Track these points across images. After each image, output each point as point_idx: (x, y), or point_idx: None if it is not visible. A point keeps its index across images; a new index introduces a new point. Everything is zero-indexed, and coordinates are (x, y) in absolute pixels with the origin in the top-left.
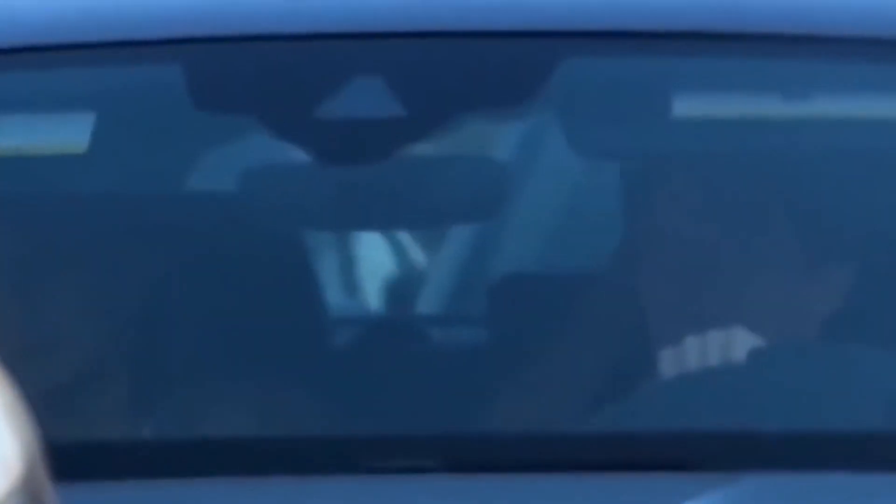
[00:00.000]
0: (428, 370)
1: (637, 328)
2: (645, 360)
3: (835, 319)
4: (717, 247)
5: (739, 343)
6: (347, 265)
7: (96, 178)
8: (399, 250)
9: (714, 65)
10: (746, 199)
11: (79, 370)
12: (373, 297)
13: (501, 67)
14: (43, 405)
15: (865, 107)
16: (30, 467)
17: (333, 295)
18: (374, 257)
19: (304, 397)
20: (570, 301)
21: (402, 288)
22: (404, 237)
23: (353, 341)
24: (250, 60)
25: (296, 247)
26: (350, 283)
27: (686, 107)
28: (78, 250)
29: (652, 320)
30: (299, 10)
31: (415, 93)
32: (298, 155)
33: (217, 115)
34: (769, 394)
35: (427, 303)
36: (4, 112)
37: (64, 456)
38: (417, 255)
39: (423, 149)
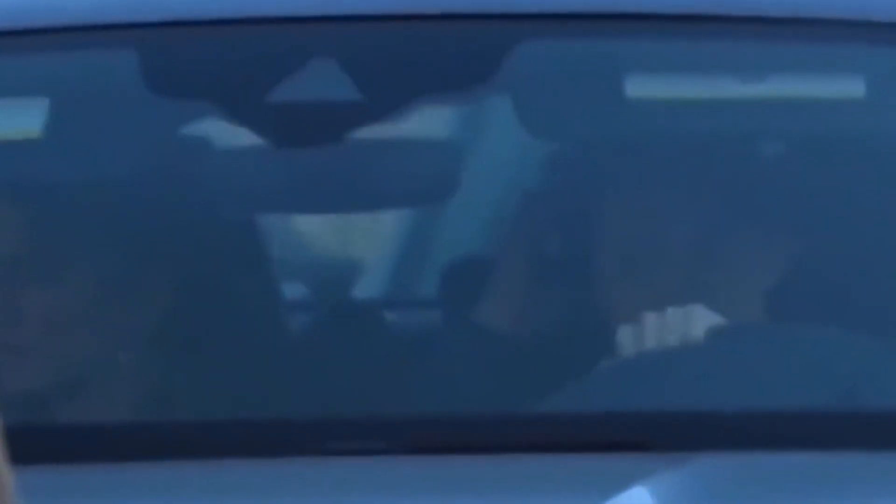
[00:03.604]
0: (382, 353)
1: (592, 309)
2: (601, 341)
3: (791, 299)
4: (671, 227)
5: (697, 324)
6: (301, 248)
7: (50, 163)
8: (352, 233)
9: (667, 46)
10: (702, 179)
11: (37, 354)
12: (326, 280)
13: (455, 50)
14: (2, 387)
15: (820, 88)
16: None
17: (286, 278)
18: (328, 240)
19: (259, 381)
20: (525, 283)
21: (355, 271)
22: (358, 220)
23: (307, 324)
24: (205, 44)
25: (249, 230)
26: (303, 267)
27: (639, 88)
28: (33, 236)
29: (607, 301)
30: None
31: (369, 76)
32: (253, 138)
33: (172, 99)
34: (725, 374)
35: (381, 285)
36: None
37: (22, 439)
38: (371, 238)
39: (377, 132)
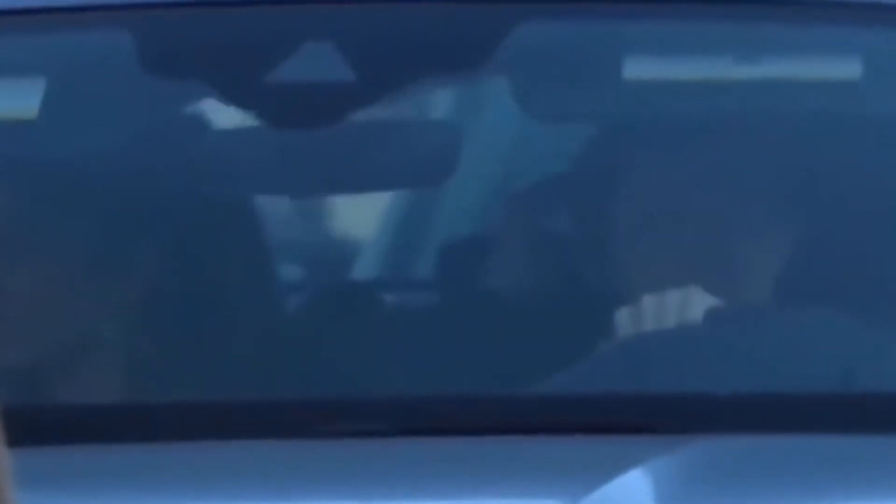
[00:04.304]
0: (379, 334)
1: (590, 291)
2: (600, 323)
3: (789, 281)
4: (669, 209)
5: (695, 307)
6: (297, 230)
7: (46, 143)
8: (349, 214)
9: (664, 28)
10: (699, 162)
11: (32, 335)
12: (323, 261)
13: (452, 31)
14: None
15: (817, 69)
16: None
17: (283, 260)
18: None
19: (255, 362)
20: (524, 264)
21: (352, 252)
22: (356, 201)
23: (303, 306)
24: (201, 25)
25: (245, 211)
26: (300, 248)
27: (636, 69)
28: (29, 216)
29: (606, 283)
30: None
31: (366, 57)
32: (249, 119)
33: (168, 80)
34: (724, 357)
35: (378, 266)
36: None
37: (18, 420)
38: (369, 219)
39: (374, 113)
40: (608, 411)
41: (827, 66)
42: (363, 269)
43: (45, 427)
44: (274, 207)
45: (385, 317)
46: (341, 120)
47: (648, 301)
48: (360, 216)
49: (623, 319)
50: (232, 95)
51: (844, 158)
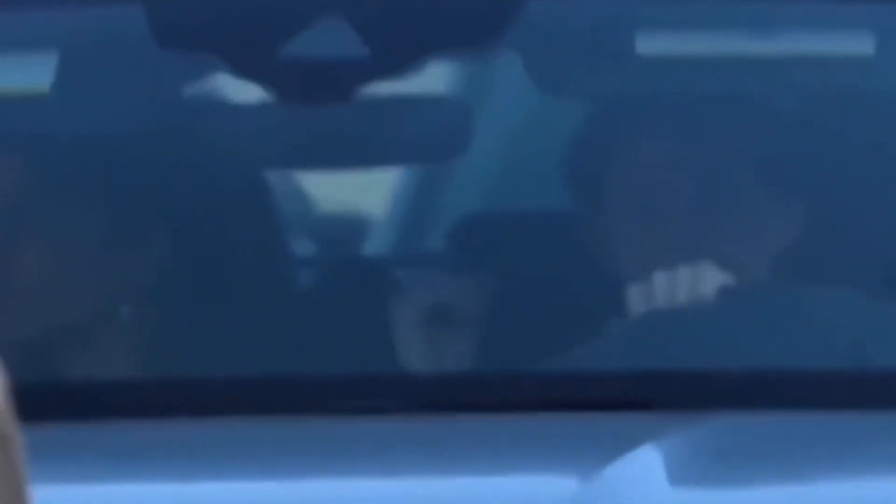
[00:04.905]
0: (389, 310)
1: (601, 267)
2: (612, 300)
3: (802, 258)
4: (681, 185)
5: (706, 283)
6: (309, 205)
7: (59, 117)
8: (361, 190)
9: (677, 4)
10: (711, 137)
11: (46, 312)
12: (334, 237)
13: (465, 7)
14: (9, 347)
15: (831, 44)
16: None
17: (295, 235)
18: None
19: (267, 338)
20: (536, 240)
21: (364, 228)
22: (366, 177)
23: (315, 281)
24: (213, 0)
25: (257, 186)
26: (312, 224)
27: (649, 45)
28: (43, 191)
29: (618, 259)
30: None
31: (379, 33)
32: (261, 94)
33: (181, 55)
34: (734, 333)
35: (390, 242)
36: None
37: (28, 396)
38: (379, 194)
39: (386, 89)
40: (617, 387)
41: (840, 41)
42: (375, 244)
43: (63, 402)
44: (285, 182)
45: (396, 292)
46: (354, 95)
47: (659, 278)
48: (372, 192)
49: (634, 296)
50: (245, 70)
51: (857, 134)
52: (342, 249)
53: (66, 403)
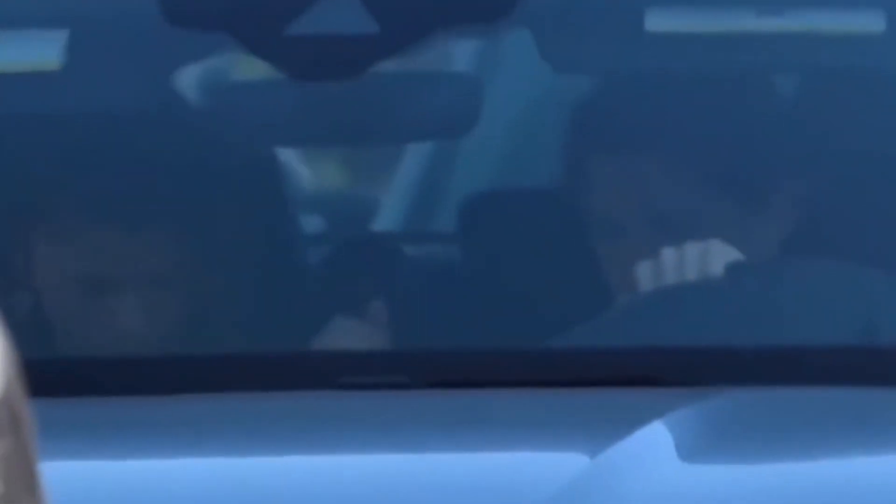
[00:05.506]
0: (399, 287)
1: (609, 244)
2: (620, 276)
3: (811, 235)
4: (689, 162)
5: (714, 259)
6: (319, 182)
7: (68, 95)
8: (370, 167)
9: None
10: (720, 113)
11: (54, 288)
12: (344, 213)
13: None
14: (18, 322)
15: (840, 22)
16: (7, 383)
17: (304, 212)
18: (345, 174)
19: (276, 314)
20: (544, 217)
21: (373, 204)
22: (376, 153)
23: (324, 258)
24: None
25: (267, 163)
26: (321, 200)
27: (658, 22)
28: (53, 169)
29: (627, 235)
30: None
31: (388, 9)
32: (271, 71)
33: (190, 32)
34: (743, 309)
35: (399, 219)
36: None
37: (39, 372)
38: (389, 171)
39: (395, 65)
40: (626, 364)
41: (850, 19)
42: (384, 221)
43: (74, 378)
44: (295, 159)
45: (405, 269)
46: (363, 72)
47: (667, 254)
48: (381, 168)
49: (643, 273)
50: (254, 47)
51: (866, 112)
52: (351, 226)
53: (78, 379)
